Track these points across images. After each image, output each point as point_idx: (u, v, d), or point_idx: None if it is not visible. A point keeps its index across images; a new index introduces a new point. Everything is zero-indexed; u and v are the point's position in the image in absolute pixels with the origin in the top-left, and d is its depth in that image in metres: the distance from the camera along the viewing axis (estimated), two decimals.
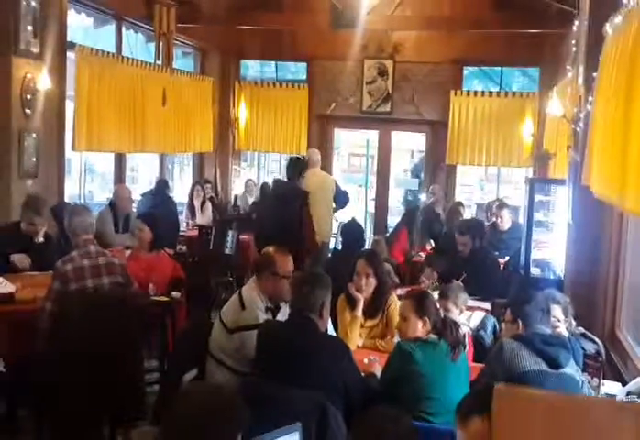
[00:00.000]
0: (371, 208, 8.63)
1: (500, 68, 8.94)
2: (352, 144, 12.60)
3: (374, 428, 1.82)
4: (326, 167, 9.15)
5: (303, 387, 2.50)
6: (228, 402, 1.57)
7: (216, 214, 7.87)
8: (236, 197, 8.90)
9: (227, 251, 6.58)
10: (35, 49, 5.36)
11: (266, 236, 5.24)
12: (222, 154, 9.19)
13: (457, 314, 3.69)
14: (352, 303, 3.63)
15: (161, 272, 4.61)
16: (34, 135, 5.45)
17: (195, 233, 6.83)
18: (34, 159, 5.47)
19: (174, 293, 4.45)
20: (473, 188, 11.08)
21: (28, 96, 5.32)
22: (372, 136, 10.15)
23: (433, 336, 2.86)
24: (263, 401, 2.30)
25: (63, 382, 3.61)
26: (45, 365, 3.61)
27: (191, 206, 7.70)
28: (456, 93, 8.29)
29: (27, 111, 5.35)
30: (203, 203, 7.71)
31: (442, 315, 3.03)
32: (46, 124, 5.63)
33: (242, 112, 9.11)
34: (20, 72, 5.26)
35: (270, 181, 7.08)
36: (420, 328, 2.90)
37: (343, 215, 7.23)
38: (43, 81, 5.43)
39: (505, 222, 6.29)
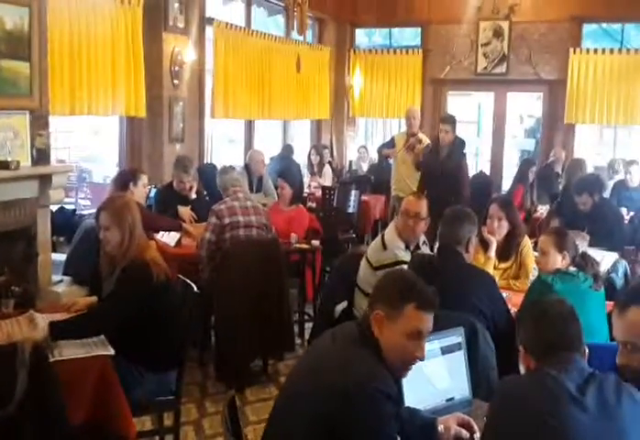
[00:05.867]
0: (486, 171, 8.63)
1: (621, 24, 8.66)
2: (460, 111, 12.54)
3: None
4: None
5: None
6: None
7: (334, 177, 8.27)
8: (351, 162, 9.27)
9: (350, 210, 6.96)
10: (181, 25, 5.90)
11: None
12: (337, 121, 9.55)
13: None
14: (485, 246, 3.88)
15: (301, 223, 5.08)
16: (181, 103, 6.03)
17: (319, 192, 7.26)
18: (181, 125, 6.07)
19: (314, 242, 4.89)
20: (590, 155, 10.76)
21: (176, 68, 5.89)
22: (484, 100, 10.10)
23: (572, 269, 3.07)
24: None
25: (224, 312, 4.15)
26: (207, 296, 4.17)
27: (310, 167, 8.14)
28: (575, 52, 8.17)
29: (176, 81, 5.92)
30: (321, 167, 8.12)
31: (580, 251, 3.21)
32: (189, 93, 6.20)
33: (357, 79, 9.40)
34: (169, 46, 5.81)
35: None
36: (560, 262, 3.10)
37: None
38: (188, 53, 5.96)
39: (635, 179, 6.24)
